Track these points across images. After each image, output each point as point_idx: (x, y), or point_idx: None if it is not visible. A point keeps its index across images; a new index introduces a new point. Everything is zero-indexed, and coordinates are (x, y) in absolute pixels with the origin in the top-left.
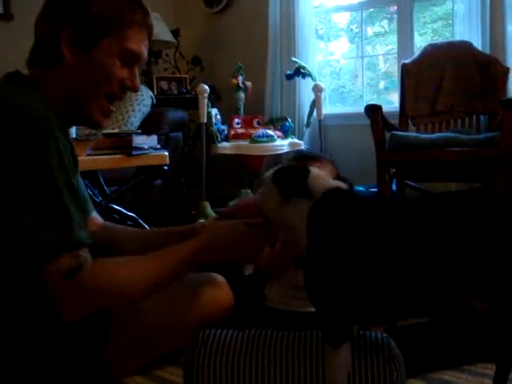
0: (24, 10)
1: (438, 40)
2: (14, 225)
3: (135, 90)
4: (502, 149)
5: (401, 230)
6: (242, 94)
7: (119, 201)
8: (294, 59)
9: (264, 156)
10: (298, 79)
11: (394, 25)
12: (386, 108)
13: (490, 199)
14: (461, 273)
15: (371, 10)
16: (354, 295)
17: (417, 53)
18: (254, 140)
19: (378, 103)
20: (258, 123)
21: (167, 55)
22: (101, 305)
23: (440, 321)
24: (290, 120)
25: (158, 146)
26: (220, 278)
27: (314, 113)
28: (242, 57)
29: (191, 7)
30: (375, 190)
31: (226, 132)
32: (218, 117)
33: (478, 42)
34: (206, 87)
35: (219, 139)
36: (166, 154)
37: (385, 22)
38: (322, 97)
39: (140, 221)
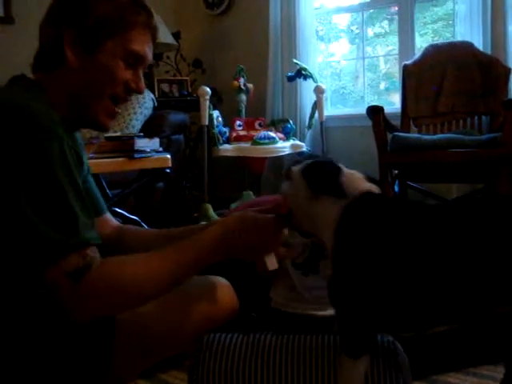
0: (25, 14)
1: (439, 40)
2: (18, 226)
3: (140, 91)
4: (504, 149)
5: (433, 238)
6: (243, 96)
7: (122, 204)
8: (295, 61)
9: (266, 158)
10: (300, 81)
11: (395, 25)
12: (387, 109)
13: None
14: (493, 280)
15: (371, 10)
16: (381, 304)
17: (418, 54)
18: (255, 142)
19: (379, 104)
20: (260, 125)
21: (168, 58)
22: (111, 305)
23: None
24: (291, 122)
25: (160, 149)
26: (224, 281)
27: (316, 114)
28: (243, 59)
29: (192, 9)
30: None
31: (227, 134)
32: (220, 119)
33: (479, 43)
34: (208, 89)
35: (221, 141)
36: (169, 156)
37: (385, 23)
38: (324, 98)
39: (143, 224)
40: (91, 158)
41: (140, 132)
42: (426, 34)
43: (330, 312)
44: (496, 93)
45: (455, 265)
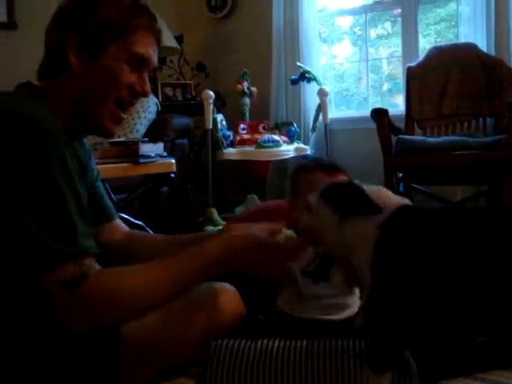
0: (28, 19)
1: (442, 42)
2: (16, 232)
3: (145, 95)
4: (509, 151)
5: (484, 252)
6: (247, 100)
7: (127, 209)
8: (298, 64)
9: (270, 161)
10: (303, 84)
11: (397, 27)
12: (391, 111)
13: None
14: None
15: (374, 12)
16: (425, 322)
17: (421, 55)
18: (259, 145)
19: (382, 106)
20: (264, 128)
21: (171, 61)
22: (107, 317)
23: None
24: (295, 125)
25: (165, 154)
26: (229, 286)
27: (320, 117)
28: (246, 62)
29: (195, 13)
30: None
31: (231, 138)
32: (224, 123)
33: (482, 44)
34: (211, 93)
35: (225, 145)
36: (173, 161)
37: (388, 25)
38: (327, 101)
39: (148, 229)
40: (96, 164)
41: (144, 136)
42: (428, 35)
43: (338, 316)
44: (501, 94)
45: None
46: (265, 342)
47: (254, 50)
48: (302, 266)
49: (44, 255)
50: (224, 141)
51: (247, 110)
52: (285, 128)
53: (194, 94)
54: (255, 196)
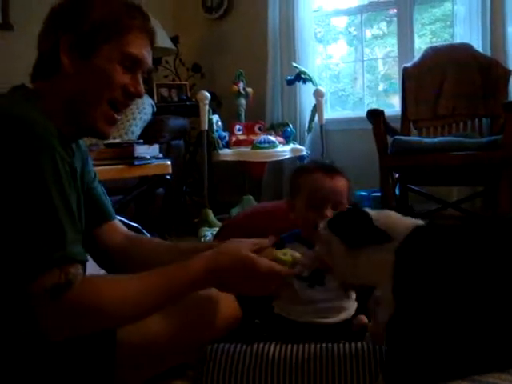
0: (23, 20)
1: (437, 42)
2: (4, 236)
3: (139, 95)
4: (505, 152)
5: (505, 272)
6: (242, 100)
7: (122, 211)
8: (294, 65)
9: (266, 162)
10: (299, 84)
11: (393, 27)
12: (387, 112)
13: None
14: None
15: (369, 12)
16: (446, 346)
17: (417, 56)
18: (255, 146)
19: (378, 106)
20: (260, 129)
21: (167, 62)
22: (89, 326)
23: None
24: (291, 125)
25: (160, 155)
26: None
27: (316, 118)
28: (242, 63)
29: (190, 14)
30: (378, 194)
31: (227, 139)
32: (219, 123)
33: (478, 44)
34: (207, 94)
35: (220, 146)
36: (169, 163)
37: (383, 25)
38: (323, 102)
39: (144, 231)
40: None
41: (139, 137)
42: (424, 35)
43: (334, 319)
44: (496, 95)
45: None
46: (261, 345)
47: (249, 51)
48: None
49: (30, 260)
50: (220, 142)
51: (243, 110)
52: (280, 129)
53: (189, 94)
54: (251, 197)
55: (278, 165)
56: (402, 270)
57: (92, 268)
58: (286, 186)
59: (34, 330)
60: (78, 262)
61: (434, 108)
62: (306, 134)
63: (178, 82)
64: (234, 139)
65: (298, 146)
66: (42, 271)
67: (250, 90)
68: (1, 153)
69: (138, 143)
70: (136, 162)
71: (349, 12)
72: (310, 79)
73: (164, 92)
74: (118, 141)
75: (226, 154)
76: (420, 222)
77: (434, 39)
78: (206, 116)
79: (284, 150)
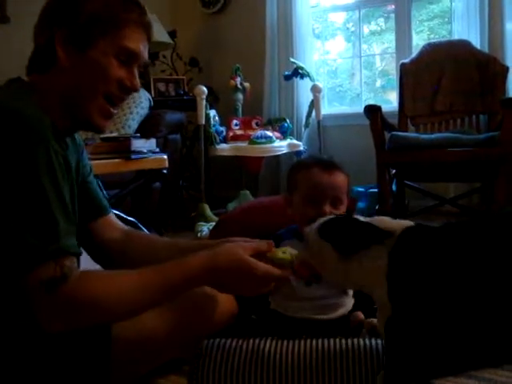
0: (20, 13)
1: (435, 38)
2: None
3: (135, 89)
4: (502, 148)
5: (497, 268)
6: (240, 95)
7: (118, 205)
8: (292, 60)
9: (263, 157)
10: (296, 80)
11: (390, 23)
12: (384, 108)
13: None
14: None
15: (367, 8)
16: (444, 343)
17: (415, 52)
18: (252, 141)
19: (375, 102)
20: (257, 124)
21: (164, 56)
22: (83, 320)
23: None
24: (288, 121)
25: (157, 150)
26: None
27: (313, 113)
28: (239, 57)
29: (188, 8)
30: (375, 190)
31: (224, 133)
32: (217, 118)
33: (476, 41)
34: (204, 89)
35: (218, 141)
36: (165, 157)
37: (381, 21)
38: (320, 97)
39: (140, 225)
40: None
41: (136, 132)
42: (422, 31)
43: (331, 316)
44: (494, 91)
45: None
46: (257, 341)
47: (247, 46)
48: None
49: (25, 252)
50: (217, 136)
51: (240, 105)
52: (278, 124)
53: (186, 89)
54: (248, 192)
55: (275, 160)
56: (397, 270)
57: (87, 262)
58: (282, 181)
59: (28, 324)
60: (71, 254)
61: (432, 104)
62: (303, 129)
63: (176, 77)
64: (231, 134)
65: (295, 142)
66: (36, 264)
67: (247, 84)
68: None
69: (135, 137)
70: (133, 156)
71: (346, 8)
72: (308, 74)
73: (161, 86)
74: (114, 135)
75: (223, 148)
76: (409, 222)
77: (432, 36)
78: (203, 111)
79: (281, 146)
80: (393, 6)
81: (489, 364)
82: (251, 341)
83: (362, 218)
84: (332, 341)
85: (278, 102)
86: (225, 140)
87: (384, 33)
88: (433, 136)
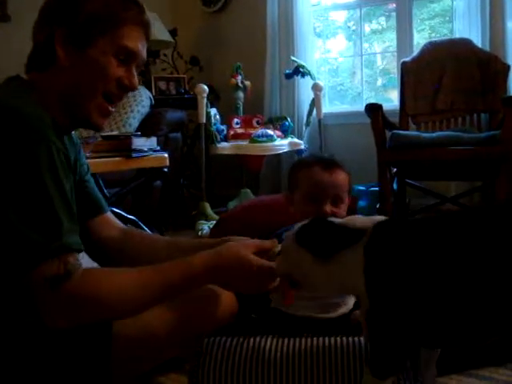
0: (20, 12)
1: (436, 37)
2: (1, 227)
3: (133, 88)
4: (503, 147)
5: (465, 254)
6: (240, 94)
7: (119, 203)
8: (293, 58)
9: (264, 156)
10: (297, 78)
11: (392, 22)
12: (385, 106)
13: None
14: None
15: (369, 7)
16: (424, 324)
17: (416, 50)
18: (253, 140)
19: (376, 101)
20: (258, 123)
21: (165, 55)
22: (86, 316)
23: None
24: (289, 119)
25: (158, 148)
26: None
27: (314, 112)
28: (240, 56)
29: (189, 6)
30: (376, 188)
31: (225, 132)
32: (217, 117)
33: (477, 39)
34: (205, 87)
35: (218, 139)
36: (166, 155)
37: (382, 19)
38: (321, 96)
39: (141, 224)
40: (88, 158)
41: (137, 130)
42: (423, 30)
43: (332, 314)
44: (495, 90)
45: (493, 276)
46: (257, 339)
47: (248, 44)
48: None
49: (28, 250)
50: (217, 135)
51: (241, 104)
52: (279, 122)
53: (187, 87)
54: (249, 190)
55: (276, 158)
56: (372, 263)
57: (85, 260)
58: (283, 180)
59: (30, 320)
60: (74, 251)
61: (433, 103)
62: (304, 127)
63: (176, 75)
64: (231, 132)
65: (296, 140)
66: (40, 261)
67: (248, 83)
68: None
69: (136, 136)
70: (133, 155)
71: (348, 6)
72: (309, 73)
73: (162, 85)
74: (115, 133)
75: (224, 147)
76: (381, 217)
77: (433, 34)
78: (204, 109)
79: (282, 144)
80: (394, 5)
81: (489, 361)
82: (252, 339)
83: (335, 220)
84: (333, 339)
85: (278, 100)
86: (225, 138)
87: (385, 31)
88: (434, 134)
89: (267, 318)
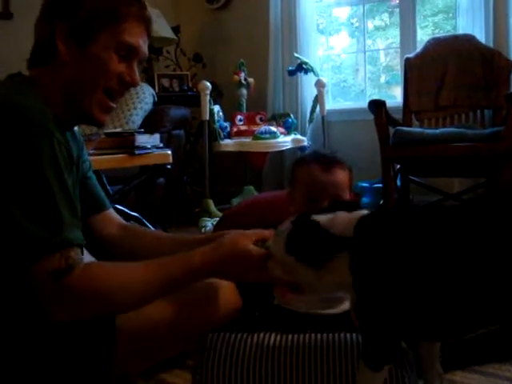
0: (23, 9)
1: (440, 33)
2: (3, 222)
3: (134, 84)
4: (507, 143)
5: (450, 246)
6: (244, 91)
7: (122, 200)
8: (296, 55)
9: (267, 153)
10: (300, 75)
11: (395, 18)
12: (388, 103)
13: None
14: None
15: (372, 3)
16: (411, 316)
17: (419, 47)
18: (256, 137)
19: (380, 97)
20: (261, 120)
21: (168, 52)
22: (88, 310)
23: None
24: (292, 116)
25: (161, 145)
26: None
27: (317, 108)
28: (243, 53)
29: (192, 3)
30: (379, 185)
31: (228, 129)
32: (221, 114)
33: (480, 36)
34: (208, 84)
35: (222, 136)
36: (169, 152)
37: (385, 16)
38: (325, 92)
39: (144, 221)
40: (91, 155)
41: (140, 127)
42: (426, 26)
43: (336, 310)
44: (498, 86)
45: (478, 269)
46: (261, 335)
47: (251, 41)
48: None
49: (29, 244)
50: (221, 132)
51: (244, 101)
52: (282, 119)
53: (190, 84)
54: (252, 187)
55: (279, 155)
56: (357, 259)
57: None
58: (287, 177)
59: (33, 314)
60: (76, 246)
61: (436, 99)
62: (307, 124)
63: (179, 72)
64: (235, 129)
65: (299, 137)
66: (41, 255)
67: (251, 80)
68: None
69: (139, 133)
70: (137, 152)
71: (351, 3)
72: (312, 70)
73: (165, 82)
74: (118, 130)
75: (227, 144)
76: (364, 212)
77: (437, 31)
78: (207, 106)
79: (285, 141)
80: (397, 1)
81: (493, 358)
82: (256, 335)
83: (320, 219)
84: (336, 335)
85: (282, 97)
86: (229, 135)
87: (388, 28)
88: (437, 131)
89: (271, 315)
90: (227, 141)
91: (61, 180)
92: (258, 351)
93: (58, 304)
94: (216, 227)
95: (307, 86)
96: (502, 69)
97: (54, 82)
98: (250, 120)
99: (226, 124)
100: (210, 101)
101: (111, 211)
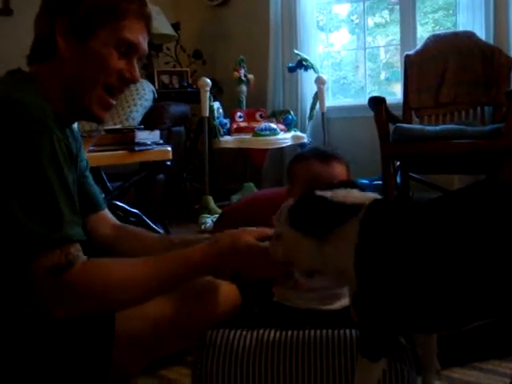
0: (23, 6)
1: (440, 30)
2: (2, 218)
3: (134, 81)
4: (507, 140)
5: (459, 238)
6: (244, 87)
7: (122, 197)
8: (296, 52)
9: (267, 149)
10: (300, 72)
11: (395, 15)
12: (388, 100)
13: None
14: None
15: (372, 0)
16: (413, 307)
17: (420, 44)
18: (256, 133)
19: (380, 94)
20: (261, 116)
21: (168, 49)
22: (88, 306)
23: None
24: (292, 113)
25: (161, 142)
26: None
27: (317, 105)
28: (243, 49)
29: (191, 0)
30: (379, 182)
31: (228, 125)
32: (220, 110)
33: (481, 33)
34: (208, 81)
35: (221, 133)
36: (169, 149)
37: (385, 13)
38: (325, 89)
39: (144, 217)
40: (91, 151)
41: (140, 124)
42: (426, 23)
43: (335, 306)
44: (499, 83)
45: (483, 260)
46: (261, 331)
47: (251, 38)
48: None
49: (29, 241)
50: (221, 129)
51: (244, 97)
52: (282, 116)
53: (190, 81)
54: (252, 184)
55: (279, 152)
56: (365, 239)
57: None
58: (286, 174)
59: (32, 311)
60: (76, 242)
61: (436, 96)
62: (307, 121)
63: (179, 69)
64: (234, 126)
65: (299, 134)
66: (41, 251)
67: (251, 76)
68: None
69: (139, 129)
70: (137, 148)
71: (351, 0)
72: (312, 66)
73: (165, 78)
74: (118, 126)
75: (227, 140)
76: (376, 195)
77: (437, 28)
78: (207, 103)
79: (285, 138)
80: None
81: (493, 354)
82: (255, 331)
83: (328, 193)
84: (336, 332)
85: (282, 94)
86: (229, 132)
87: (388, 25)
88: (437, 128)
89: (270, 311)
90: (227, 137)
91: (61, 176)
92: (258, 347)
93: (57, 300)
94: (216, 224)
95: (307, 83)
96: (502, 66)
97: (53, 79)
98: (249, 117)
99: (226, 121)
100: (209, 97)
101: (106, 211)
